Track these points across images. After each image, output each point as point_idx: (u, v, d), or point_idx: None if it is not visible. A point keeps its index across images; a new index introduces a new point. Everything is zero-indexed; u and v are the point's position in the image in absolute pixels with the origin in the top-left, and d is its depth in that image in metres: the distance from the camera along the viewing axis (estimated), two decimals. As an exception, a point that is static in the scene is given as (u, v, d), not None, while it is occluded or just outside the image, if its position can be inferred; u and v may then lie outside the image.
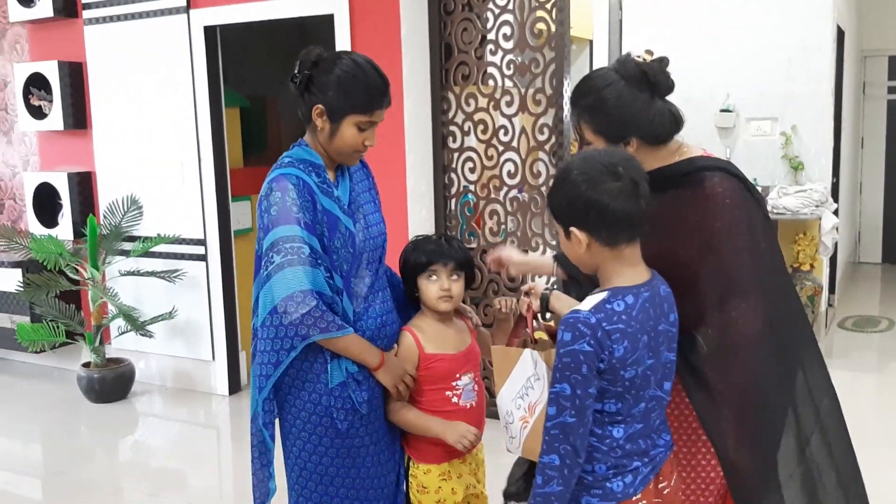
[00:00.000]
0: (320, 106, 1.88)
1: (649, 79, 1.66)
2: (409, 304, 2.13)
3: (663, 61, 1.69)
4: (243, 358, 4.61)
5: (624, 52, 1.74)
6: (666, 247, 1.68)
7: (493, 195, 3.82)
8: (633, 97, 1.66)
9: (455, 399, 2.00)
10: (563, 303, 1.72)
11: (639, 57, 1.69)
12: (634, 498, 1.51)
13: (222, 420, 4.35)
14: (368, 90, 1.89)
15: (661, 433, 1.59)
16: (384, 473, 2.02)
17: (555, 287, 1.88)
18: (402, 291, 2.15)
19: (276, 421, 1.98)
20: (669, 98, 1.73)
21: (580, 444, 1.45)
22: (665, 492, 1.58)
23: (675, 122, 1.71)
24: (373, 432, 1.98)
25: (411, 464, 2.06)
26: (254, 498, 2.01)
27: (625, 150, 1.68)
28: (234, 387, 4.54)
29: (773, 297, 1.68)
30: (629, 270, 1.52)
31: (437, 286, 1.99)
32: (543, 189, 3.65)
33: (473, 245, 3.86)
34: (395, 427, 2.04)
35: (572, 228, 1.51)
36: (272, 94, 5.59)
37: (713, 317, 1.64)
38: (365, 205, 2.02)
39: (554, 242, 3.55)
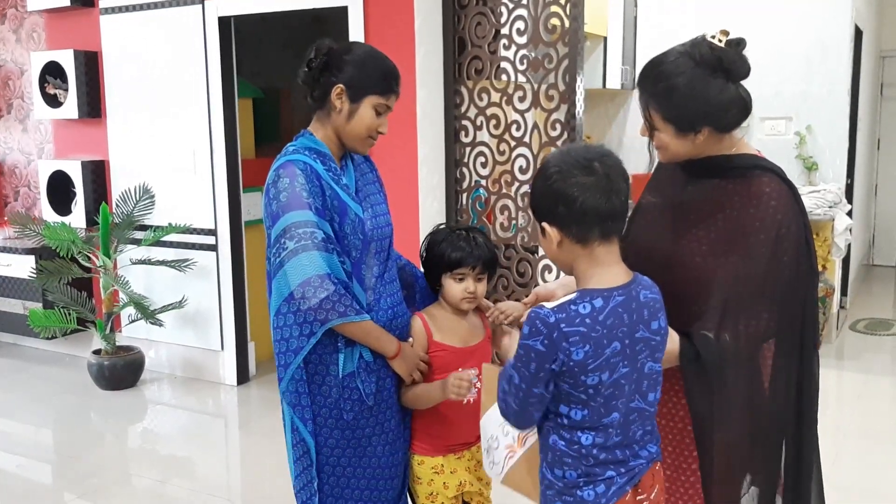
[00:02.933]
0: (341, 85, 1.88)
1: (724, 65, 1.56)
2: (426, 296, 2.10)
3: (741, 44, 1.58)
4: (252, 348, 4.63)
5: (699, 35, 1.60)
6: (695, 235, 1.63)
7: (504, 190, 3.82)
8: (706, 85, 1.55)
9: None
10: None
11: (713, 38, 1.57)
12: None
13: (230, 410, 4.37)
14: (386, 72, 1.92)
15: (644, 444, 1.52)
16: (394, 464, 2.01)
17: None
18: (419, 282, 2.13)
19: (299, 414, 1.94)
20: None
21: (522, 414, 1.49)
22: None
23: (745, 109, 1.61)
24: (380, 423, 1.97)
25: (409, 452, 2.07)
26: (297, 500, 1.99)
27: (698, 136, 1.58)
28: (243, 377, 4.57)
29: (789, 311, 1.60)
30: (603, 271, 1.46)
31: (463, 287, 1.96)
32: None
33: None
34: (404, 419, 2.04)
35: (544, 224, 1.47)
36: (285, 85, 5.60)
37: (730, 320, 1.57)
38: (371, 196, 2.01)
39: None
